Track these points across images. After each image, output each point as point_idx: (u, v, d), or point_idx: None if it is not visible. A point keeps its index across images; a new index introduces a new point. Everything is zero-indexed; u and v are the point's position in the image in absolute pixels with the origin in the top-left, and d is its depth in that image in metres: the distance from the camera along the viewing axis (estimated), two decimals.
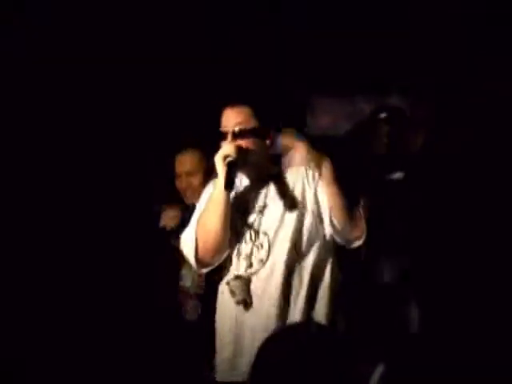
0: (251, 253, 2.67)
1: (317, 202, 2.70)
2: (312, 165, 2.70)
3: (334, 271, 2.70)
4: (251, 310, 2.64)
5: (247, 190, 2.76)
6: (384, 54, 4.03)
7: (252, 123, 2.67)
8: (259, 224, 2.69)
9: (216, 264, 2.72)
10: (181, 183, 3.44)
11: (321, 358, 1.51)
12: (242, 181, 2.78)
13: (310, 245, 2.67)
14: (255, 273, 2.66)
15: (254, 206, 2.72)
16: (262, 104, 2.82)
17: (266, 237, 2.66)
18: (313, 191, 2.71)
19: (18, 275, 3.68)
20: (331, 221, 2.66)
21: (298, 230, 2.66)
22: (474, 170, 3.56)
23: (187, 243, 2.71)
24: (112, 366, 3.41)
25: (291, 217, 2.67)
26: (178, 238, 2.80)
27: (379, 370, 1.77)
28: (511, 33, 3.86)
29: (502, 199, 3.59)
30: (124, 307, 3.53)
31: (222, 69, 4.12)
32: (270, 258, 2.65)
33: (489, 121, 3.81)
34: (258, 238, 2.67)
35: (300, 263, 2.66)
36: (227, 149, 2.61)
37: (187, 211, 3.24)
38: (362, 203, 2.69)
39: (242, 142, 2.65)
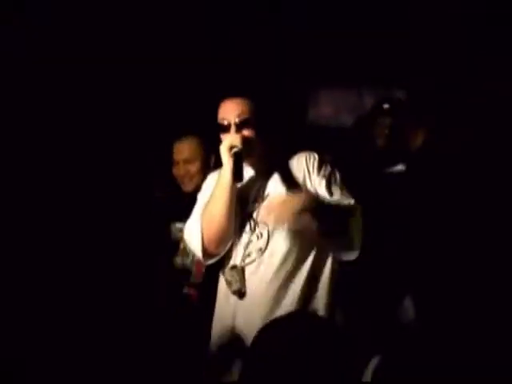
0: (249, 242, 2.67)
1: (317, 192, 2.71)
2: None
3: (334, 262, 2.69)
4: (248, 300, 2.64)
5: (248, 180, 2.76)
6: (385, 50, 4.04)
7: (252, 114, 2.69)
8: (259, 214, 2.69)
9: (221, 254, 2.72)
10: (178, 170, 3.43)
11: (315, 349, 1.50)
12: (244, 171, 2.76)
13: (310, 235, 2.66)
14: (253, 262, 2.66)
15: (254, 196, 2.73)
16: (261, 96, 2.84)
17: (266, 226, 2.66)
18: (313, 181, 2.71)
19: (15, 263, 3.67)
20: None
21: (299, 219, 2.65)
22: (473, 170, 3.56)
23: (193, 234, 2.72)
24: (109, 359, 3.41)
25: (291, 205, 2.67)
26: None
27: (374, 362, 1.78)
28: (511, 33, 3.86)
29: (502, 198, 3.59)
30: (123, 300, 3.53)
31: (221, 68, 4.12)
32: (269, 247, 2.65)
33: (489, 121, 3.81)
34: (258, 227, 2.68)
35: (299, 253, 2.65)
36: (232, 139, 2.63)
37: (183, 200, 3.25)
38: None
39: (245, 133, 2.67)
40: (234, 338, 2.64)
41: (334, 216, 2.60)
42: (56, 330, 3.57)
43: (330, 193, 2.68)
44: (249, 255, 2.67)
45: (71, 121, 3.96)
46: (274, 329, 1.59)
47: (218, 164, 2.88)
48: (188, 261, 3.34)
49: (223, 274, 2.69)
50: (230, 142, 2.62)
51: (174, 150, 3.47)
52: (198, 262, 3.19)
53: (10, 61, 3.84)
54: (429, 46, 4.06)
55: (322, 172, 2.71)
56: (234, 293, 2.64)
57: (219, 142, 2.69)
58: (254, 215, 2.70)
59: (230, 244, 2.71)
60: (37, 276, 3.68)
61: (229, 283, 2.66)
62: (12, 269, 3.64)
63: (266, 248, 2.65)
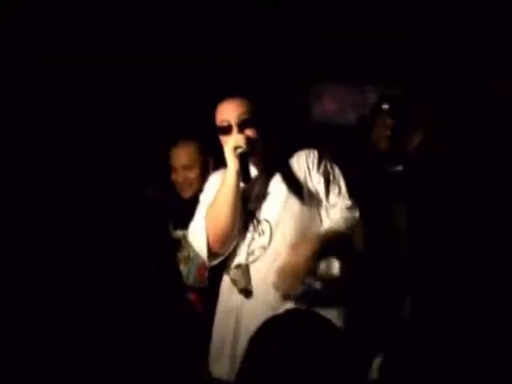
0: (252, 240, 2.68)
1: (316, 189, 2.73)
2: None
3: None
4: (253, 297, 2.64)
5: (253, 179, 2.76)
6: (387, 48, 4.04)
7: (252, 113, 2.71)
8: (260, 211, 2.70)
9: (226, 254, 2.73)
10: (177, 177, 3.41)
11: (313, 346, 1.50)
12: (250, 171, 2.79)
13: (313, 231, 2.68)
14: (257, 260, 2.67)
15: (255, 194, 2.74)
16: (259, 95, 2.84)
17: (268, 223, 2.68)
18: (314, 178, 2.73)
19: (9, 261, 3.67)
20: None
21: (301, 216, 2.68)
22: (471, 170, 3.56)
23: (197, 235, 2.72)
24: (110, 359, 3.41)
25: (293, 203, 2.70)
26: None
27: (378, 361, 1.78)
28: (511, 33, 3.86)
29: (501, 198, 3.59)
30: (122, 299, 3.52)
31: (221, 68, 4.12)
32: (272, 244, 2.66)
33: (488, 121, 3.81)
34: (260, 225, 2.69)
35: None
36: (237, 140, 2.64)
37: (185, 204, 3.25)
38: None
39: (247, 133, 2.68)
40: (238, 336, 2.64)
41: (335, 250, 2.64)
42: (50, 330, 3.57)
43: (328, 192, 2.70)
44: (252, 253, 2.68)
45: (71, 121, 3.96)
46: (272, 326, 1.59)
47: (217, 168, 2.89)
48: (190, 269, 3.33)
49: (228, 273, 2.69)
50: (234, 142, 2.63)
51: (172, 156, 3.43)
52: (200, 266, 3.19)
53: (10, 61, 3.84)
54: (430, 44, 4.06)
55: (322, 169, 2.73)
56: (241, 291, 2.65)
57: (217, 145, 2.70)
58: (256, 213, 2.71)
59: (234, 243, 2.72)
60: (34, 277, 3.68)
61: (234, 282, 2.66)
62: (7, 270, 3.64)
63: (269, 245, 2.66)
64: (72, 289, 3.67)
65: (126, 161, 4.00)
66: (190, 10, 4.12)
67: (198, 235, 2.71)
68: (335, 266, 2.66)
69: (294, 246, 2.60)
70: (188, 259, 3.28)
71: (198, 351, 2.95)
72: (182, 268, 3.32)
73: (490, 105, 3.86)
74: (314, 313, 1.52)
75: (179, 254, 3.33)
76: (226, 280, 2.73)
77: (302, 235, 2.66)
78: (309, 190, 2.72)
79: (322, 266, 2.65)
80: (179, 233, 3.32)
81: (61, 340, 3.55)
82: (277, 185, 2.74)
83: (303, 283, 2.58)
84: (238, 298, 2.67)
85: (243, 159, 2.62)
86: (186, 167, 3.38)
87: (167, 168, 3.45)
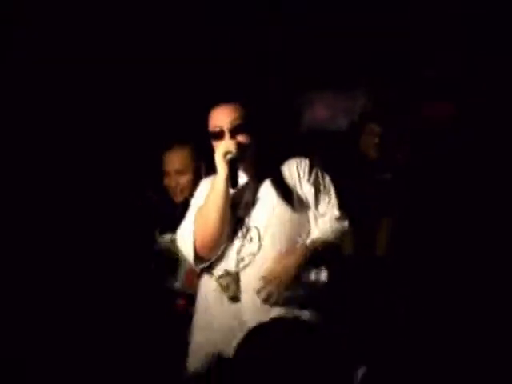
0: (242, 246, 2.68)
1: (306, 198, 2.74)
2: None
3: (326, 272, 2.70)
4: (240, 303, 2.64)
5: (240, 184, 2.76)
6: (382, 52, 4.04)
7: (245, 119, 2.70)
8: (250, 218, 2.70)
9: (213, 259, 2.73)
10: (170, 181, 3.39)
11: (299, 355, 1.50)
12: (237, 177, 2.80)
13: (302, 238, 2.69)
14: (247, 266, 2.66)
15: (245, 201, 2.74)
16: (253, 101, 2.84)
17: (257, 230, 2.67)
18: (304, 186, 2.73)
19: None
20: None
21: (290, 223, 2.68)
22: (466, 174, 3.56)
23: (185, 239, 2.73)
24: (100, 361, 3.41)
25: (282, 210, 2.69)
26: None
27: (361, 371, 1.77)
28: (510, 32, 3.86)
29: (496, 202, 3.59)
30: (118, 302, 3.52)
31: (220, 68, 4.12)
32: (261, 251, 2.66)
33: (488, 121, 3.81)
34: (249, 232, 2.68)
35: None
36: (227, 146, 2.64)
37: (177, 208, 3.24)
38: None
39: (239, 138, 2.68)
40: (220, 340, 2.63)
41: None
42: (36, 334, 3.56)
43: (317, 201, 2.72)
44: (242, 260, 2.67)
45: (70, 121, 3.96)
46: (259, 334, 1.58)
47: (209, 173, 2.88)
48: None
49: (217, 279, 2.68)
50: (224, 148, 2.63)
51: (165, 161, 3.41)
52: (188, 271, 3.18)
53: (10, 61, 3.84)
54: (430, 44, 4.06)
55: (313, 178, 2.74)
56: (229, 298, 2.64)
57: (210, 150, 2.70)
58: (246, 220, 2.70)
59: (222, 248, 2.71)
60: (26, 277, 3.67)
61: (224, 288, 2.65)
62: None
63: (258, 252, 2.65)
64: (61, 287, 3.67)
65: (125, 161, 4.00)
66: (189, 9, 4.12)
67: (186, 239, 2.71)
68: (323, 275, 2.67)
69: (282, 255, 2.63)
70: (177, 263, 3.27)
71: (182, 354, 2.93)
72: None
73: (490, 105, 3.86)
74: (301, 321, 1.52)
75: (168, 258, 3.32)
76: (209, 284, 2.72)
77: (291, 242, 2.67)
78: (298, 198, 2.72)
79: (311, 274, 2.65)
80: (167, 237, 3.31)
81: (55, 339, 3.55)
82: (267, 191, 2.74)
83: (286, 291, 2.61)
84: (226, 302, 2.66)
85: (232, 165, 2.63)
86: (179, 172, 3.35)
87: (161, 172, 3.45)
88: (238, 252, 2.67)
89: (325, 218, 2.71)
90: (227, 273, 2.66)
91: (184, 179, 3.35)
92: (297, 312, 2.59)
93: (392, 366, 3.03)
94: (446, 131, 3.79)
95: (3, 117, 3.84)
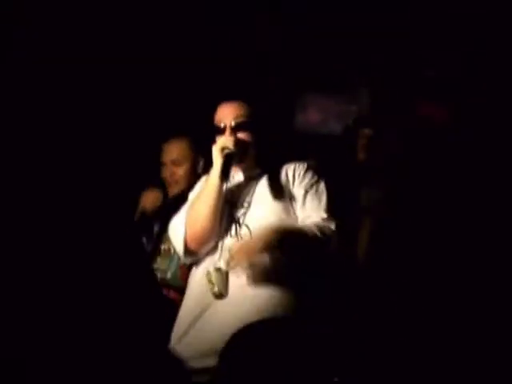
0: (234, 246, 2.67)
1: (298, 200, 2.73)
2: None
3: (308, 274, 2.67)
4: (225, 300, 2.63)
5: (238, 184, 2.79)
6: (382, 52, 4.04)
7: (249, 117, 2.73)
8: (244, 218, 2.70)
9: (202, 254, 2.74)
10: (165, 172, 3.40)
11: (286, 355, 1.51)
12: (235, 175, 2.82)
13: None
14: (236, 265, 2.65)
15: (242, 201, 2.75)
16: (257, 100, 2.85)
17: (248, 231, 2.67)
18: (298, 189, 2.73)
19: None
20: None
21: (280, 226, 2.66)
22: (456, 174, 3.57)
23: (176, 231, 2.74)
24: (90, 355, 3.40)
25: (275, 212, 2.69)
26: (158, 224, 2.79)
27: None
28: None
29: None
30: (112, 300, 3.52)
31: (220, 68, 4.12)
32: None
33: (488, 121, 3.81)
34: (241, 231, 2.68)
35: (279, 257, 2.63)
36: (225, 141, 2.67)
37: (171, 202, 3.24)
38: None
39: (240, 136, 2.70)
40: (202, 335, 2.62)
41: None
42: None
43: (306, 203, 2.70)
44: (232, 259, 2.66)
45: (70, 121, 3.97)
46: (246, 335, 1.59)
47: (206, 169, 2.89)
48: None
49: (207, 274, 2.67)
50: (222, 143, 2.66)
51: (163, 151, 3.43)
52: (183, 264, 3.18)
53: (10, 61, 3.85)
54: (430, 44, 4.07)
55: (306, 181, 2.74)
56: (214, 294, 2.63)
57: (210, 146, 2.71)
58: (241, 219, 2.70)
59: (212, 244, 2.72)
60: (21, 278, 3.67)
61: (212, 284, 2.64)
62: None
63: None
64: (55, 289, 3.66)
65: (125, 160, 4.00)
66: (189, 9, 4.12)
67: (177, 231, 2.73)
68: None
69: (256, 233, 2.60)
70: (169, 253, 3.25)
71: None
72: (160, 261, 3.29)
73: (489, 105, 3.86)
74: (288, 321, 1.52)
75: (164, 245, 3.30)
76: (200, 277, 2.71)
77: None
78: (292, 201, 2.72)
79: None
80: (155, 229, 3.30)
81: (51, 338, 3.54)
82: (263, 192, 2.74)
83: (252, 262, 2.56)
84: (211, 297, 2.65)
85: (228, 160, 2.64)
86: (175, 163, 3.36)
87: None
88: (230, 251, 2.67)
89: (311, 219, 2.68)
90: (217, 269, 2.65)
91: (180, 170, 3.35)
92: (280, 313, 2.56)
93: (376, 365, 3.03)
94: (443, 131, 3.79)
95: (3, 117, 3.84)
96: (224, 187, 2.68)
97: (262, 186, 2.76)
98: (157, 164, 3.56)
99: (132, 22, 4.05)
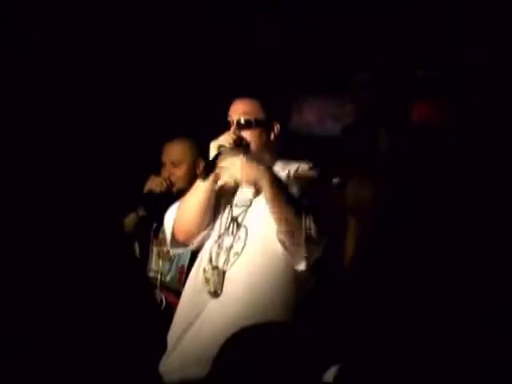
0: (231, 246, 2.67)
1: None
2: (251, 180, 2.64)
3: (305, 276, 2.66)
4: (220, 299, 2.62)
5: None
6: (382, 51, 4.04)
7: (259, 114, 2.71)
8: (243, 218, 2.69)
9: (190, 247, 2.79)
10: (164, 172, 3.40)
11: (283, 359, 1.51)
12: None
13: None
14: (232, 265, 2.66)
15: (242, 200, 2.73)
16: (270, 97, 2.83)
17: (245, 231, 2.66)
18: (292, 187, 2.71)
19: None
20: (278, 233, 2.60)
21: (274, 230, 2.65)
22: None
23: (169, 219, 2.79)
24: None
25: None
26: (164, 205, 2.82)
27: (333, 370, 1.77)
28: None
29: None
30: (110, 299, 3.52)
31: (221, 68, 4.12)
32: (244, 251, 2.64)
33: (488, 121, 3.80)
34: (238, 231, 2.67)
35: (274, 258, 2.63)
36: (224, 138, 2.66)
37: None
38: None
39: (246, 134, 2.68)
40: (196, 334, 2.62)
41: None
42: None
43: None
44: (229, 258, 2.65)
45: (71, 121, 3.97)
46: (241, 339, 1.59)
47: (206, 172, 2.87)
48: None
49: (204, 271, 2.67)
50: (221, 140, 2.64)
51: (164, 151, 3.43)
52: (181, 269, 3.18)
53: (10, 61, 3.86)
54: (430, 44, 4.06)
55: (301, 181, 2.71)
56: (209, 292, 2.63)
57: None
58: (239, 219, 2.70)
59: (199, 240, 2.74)
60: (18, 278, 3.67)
61: (207, 282, 2.64)
62: None
63: (241, 252, 2.64)
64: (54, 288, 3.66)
65: (126, 160, 4.00)
66: (189, 9, 4.12)
67: (168, 219, 2.78)
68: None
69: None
70: (168, 255, 3.26)
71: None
72: (160, 264, 3.29)
73: (489, 105, 3.85)
74: (283, 325, 1.53)
75: (156, 248, 3.31)
76: (198, 276, 2.71)
77: (275, 243, 2.63)
78: None
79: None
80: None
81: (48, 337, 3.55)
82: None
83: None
84: (207, 296, 2.65)
85: (217, 157, 2.64)
86: (174, 164, 3.36)
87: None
88: (227, 251, 2.67)
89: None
90: (214, 267, 2.65)
91: (178, 172, 3.36)
92: (271, 316, 2.55)
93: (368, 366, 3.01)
94: (443, 131, 3.77)
95: (3, 117, 3.85)
96: (228, 187, 2.69)
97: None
98: (157, 165, 3.57)
99: (132, 21, 4.05)
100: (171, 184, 3.35)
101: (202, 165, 3.29)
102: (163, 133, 3.73)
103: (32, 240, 3.73)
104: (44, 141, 3.93)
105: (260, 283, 2.61)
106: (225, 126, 2.76)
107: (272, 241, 2.60)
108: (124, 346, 3.26)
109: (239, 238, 2.67)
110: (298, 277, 2.62)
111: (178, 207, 2.76)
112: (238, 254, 2.65)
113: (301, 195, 2.66)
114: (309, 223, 2.53)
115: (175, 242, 2.78)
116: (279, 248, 2.57)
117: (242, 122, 2.69)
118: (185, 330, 2.67)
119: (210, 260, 2.68)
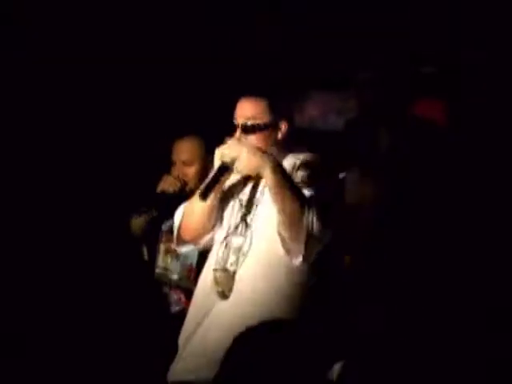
0: (240, 247, 2.66)
1: None
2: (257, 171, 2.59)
3: (309, 276, 2.64)
4: (229, 300, 2.62)
5: (251, 183, 2.73)
6: (382, 51, 4.04)
7: (265, 117, 2.66)
8: (252, 218, 2.68)
9: (197, 247, 2.80)
10: (174, 171, 3.37)
11: (287, 357, 1.50)
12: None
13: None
14: (240, 265, 2.63)
15: (251, 200, 2.71)
16: (276, 95, 2.79)
17: (252, 230, 2.65)
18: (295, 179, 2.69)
19: None
20: (278, 226, 2.56)
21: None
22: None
23: (178, 216, 2.78)
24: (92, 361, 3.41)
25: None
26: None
27: (338, 367, 1.78)
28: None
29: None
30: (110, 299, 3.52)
31: (221, 68, 4.12)
32: (250, 253, 2.63)
33: (488, 121, 3.80)
34: (246, 231, 2.66)
35: (281, 258, 2.61)
36: (223, 153, 2.59)
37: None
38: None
39: (252, 137, 2.65)
40: (204, 335, 2.62)
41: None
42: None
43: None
44: (238, 259, 2.64)
45: (71, 121, 3.98)
46: (247, 337, 1.59)
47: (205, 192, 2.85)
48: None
49: (215, 271, 2.66)
50: (222, 153, 2.59)
51: (174, 150, 3.39)
52: (189, 267, 3.18)
53: (10, 61, 3.86)
54: (430, 44, 4.06)
55: (302, 173, 2.65)
56: (218, 293, 2.62)
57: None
58: (249, 219, 2.69)
59: (205, 239, 2.74)
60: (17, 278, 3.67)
61: (217, 282, 2.64)
62: None
63: (247, 252, 2.62)
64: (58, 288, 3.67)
65: (127, 160, 4.01)
66: (189, 9, 4.12)
67: (177, 217, 2.77)
68: None
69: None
70: (175, 253, 3.24)
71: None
72: (168, 261, 3.29)
73: (489, 105, 3.85)
74: (289, 324, 1.53)
75: (164, 245, 3.30)
76: (209, 275, 2.70)
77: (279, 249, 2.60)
78: None
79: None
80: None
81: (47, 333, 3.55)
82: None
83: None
84: (214, 298, 2.65)
85: (220, 173, 2.59)
86: (185, 162, 3.33)
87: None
88: (236, 251, 2.65)
89: None
90: (224, 269, 2.64)
91: (189, 171, 3.33)
92: (276, 316, 2.53)
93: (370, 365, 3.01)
94: (443, 131, 3.78)
95: (3, 117, 3.85)
96: (238, 186, 2.69)
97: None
98: (165, 164, 3.55)
99: (133, 21, 4.05)
100: (184, 183, 3.32)
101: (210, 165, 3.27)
102: (169, 132, 3.72)
103: (40, 242, 3.75)
104: (44, 141, 3.93)
105: (265, 283, 2.59)
106: (230, 123, 2.71)
107: (276, 240, 2.58)
108: (131, 349, 3.27)
109: (247, 238, 2.67)
110: (301, 275, 2.61)
111: (185, 207, 2.75)
112: (245, 255, 2.63)
113: (306, 187, 2.59)
114: (312, 217, 2.49)
115: (181, 240, 2.77)
116: (280, 246, 2.56)
117: (248, 126, 2.64)
118: (193, 331, 2.66)
119: (219, 260, 2.67)
